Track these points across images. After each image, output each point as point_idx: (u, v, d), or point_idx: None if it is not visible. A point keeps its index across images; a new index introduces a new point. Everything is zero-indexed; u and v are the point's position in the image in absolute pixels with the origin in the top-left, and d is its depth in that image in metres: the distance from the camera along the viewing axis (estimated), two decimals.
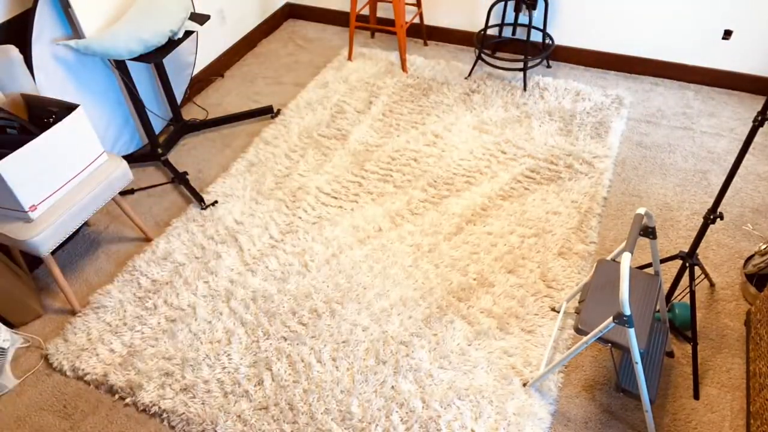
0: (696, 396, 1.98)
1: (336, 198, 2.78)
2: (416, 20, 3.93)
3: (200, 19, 2.72)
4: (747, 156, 2.95)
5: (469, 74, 3.60)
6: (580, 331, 1.76)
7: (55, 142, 2.08)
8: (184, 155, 3.14)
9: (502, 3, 3.51)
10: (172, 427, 1.95)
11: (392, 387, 2.01)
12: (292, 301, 2.31)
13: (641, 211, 1.71)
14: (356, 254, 2.49)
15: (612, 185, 2.82)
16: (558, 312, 2.23)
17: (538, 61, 3.53)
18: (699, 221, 2.61)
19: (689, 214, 2.66)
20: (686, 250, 2.03)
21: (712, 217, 1.85)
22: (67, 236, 2.28)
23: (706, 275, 2.32)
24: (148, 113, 2.87)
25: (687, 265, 1.99)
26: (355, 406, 1.96)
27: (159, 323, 2.25)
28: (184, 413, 1.96)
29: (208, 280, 2.41)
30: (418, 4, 3.76)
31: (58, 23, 2.39)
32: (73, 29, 2.46)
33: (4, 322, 2.24)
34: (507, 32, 3.72)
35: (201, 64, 3.58)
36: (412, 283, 2.37)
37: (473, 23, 3.83)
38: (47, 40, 2.36)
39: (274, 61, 3.91)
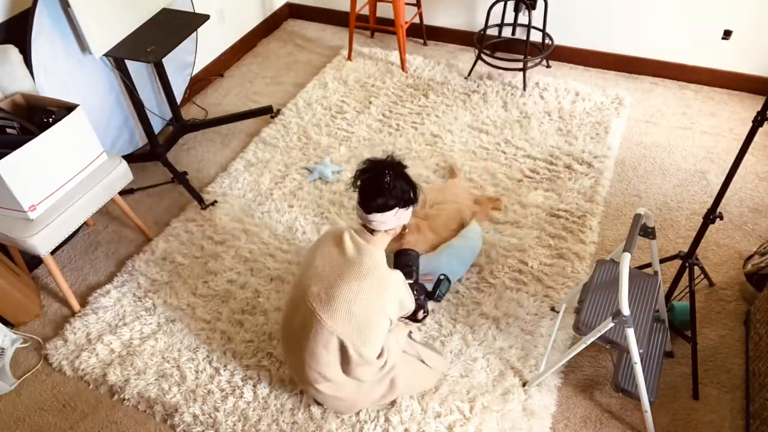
0: (695, 396, 1.98)
1: (335, 196, 2.78)
2: (416, 20, 3.93)
3: (200, 19, 2.72)
4: (746, 156, 2.95)
5: (469, 74, 3.60)
6: (579, 331, 1.76)
7: (55, 142, 2.08)
8: (184, 155, 3.14)
9: (502, 3, 3.51)
10: (172, 427, 1.95)
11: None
12: None
13: (641, 211, 1.71)
14: None
15: (612, 185, 2.81)
16: (557, 312, 2.23)
17: (537, 61, 3.52)
18: (698, 221, 2.61)
19: (689, 214, 2.66)
20: (686, 250, 2.03)
21: (711, 217, 1.85)
22: (67, 236, 2.28)
23: (706, 275, 2.32)
24: (148, 113, 2.87)
25: (686, 265, 1.99)
26: None
27: (158, 323, 2.25)
28: (184, 413, 1.96)
29: (207, 280, 2.41)
30: (418, 4, 3.76)
31: (57, 23, 2.39)
32: (73, 29, 2.46)
33: (3, 322, 2.24)
34: (507, 32, 3.72)
35: (201, 63, 3.58)
36: None
37: (473, 23, 3.83)
38: (47, 39, 2.36)
39: (273, 61, 3.91)
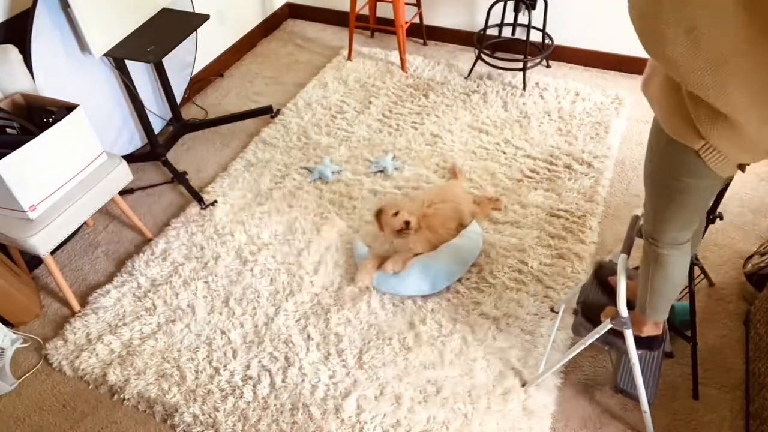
0: (695, 396, 1.98)
1: (335, 196, 2.78)
2: (416, 20, 3.93)
3: (200, 19, 2.72)
4: None
5: (469, 74, 3.60)
6: (578, 332, 1.76)
7: (55, 142, 2.08)
8: (184, 155, 3.14)
9: (502, 3, 3.51)
10: (172, 427, 1.95)
11: (392, 388, 2.01)
12: (292, 300, 2.31)
13: (638, 212, 1.71)
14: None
15: (612, 185, 2.81)
16: (557, 312, 2.23)
17: (537, 61, 3.52)
18: None
19: None
20: None
21: (711, 217, 1.85)
22: (67, 236, 2.28)
23: (706, 275, 2.32)
24: (148, 113, 2.87)
25: None
26: (355, 407, 1.96)
27: (158, 323, 2.25)
28: (184, 413, 1.96)
29: (207, 280, 2.41)
30: (418, 4, 3.76)
31: (57, 23, 2.39)
32: (73, 29, 2.46)
33: (3, 322, 2.24)
34: (506, 32, 3.72)
35: (200, 63, 3.58)
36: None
37: (473, 23, 3.83)
38: (47, 39, 2.36)
39: (273, 61, 3.91)
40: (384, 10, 4.02)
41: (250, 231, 2.62)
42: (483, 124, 3.20)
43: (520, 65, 3.47)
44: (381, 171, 2.91)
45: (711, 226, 2.57)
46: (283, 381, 2.04)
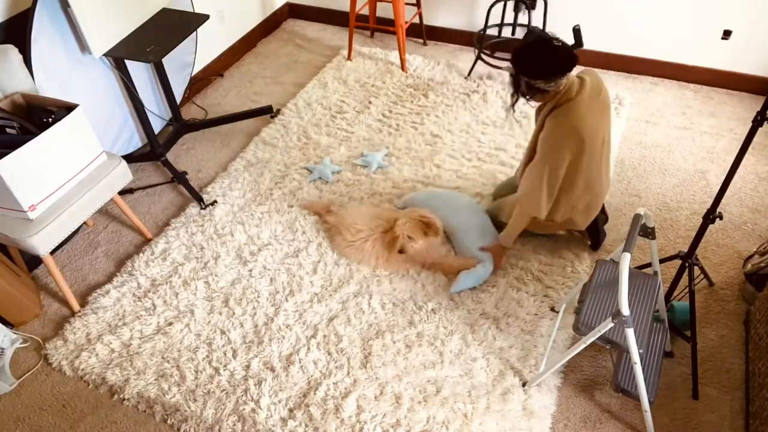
0: (695, 396, 1.98)
1: (335, 196, 2.78)
2: (416, 20, 3.93)
3: (200, 19, 2.72)
4: (746, 156, 2.95)
5: (469, 74, 3.60)
6: (579, 331, 1.76)
7: (55, 141, 2.08)
8: (184, 155, 3.14)
9: (502, 3, 3.51)
10: (172, 427, 1.95)
11: (392, 388, 2.01)
12: (292, 300, 2.31)
13: (640, 211, 1.71)
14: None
15: (611, 185, 2.81)
16: (557, 312, 2.23)
17: None
18: (698, 221, 2.61)
19: (688, 214, 2.66)
20: (685, 250, 2.03)
21: (711, 216, 1.85)
22: (67, 236, 2.28)
23: (705, 275, 2.32)
24: (148, 113, 2.87)
25: (686, 264, 1.99)
26: (355, 407, 1.96)
27: (158, 323, 2.25)
28: (184, 413, 1.96)
29: (207, 280, 2.41)
30: (418, 4, 3.76)
31: (57, 23, 2.39)
32: (73, 29, 2.46)
33: (3, 322, 2.24)
34: (507, 32, 3.72)
35: (200, 63, 3.58)
36: (411, 285, 2.37)
37: (473, 23, 3.83)
38: (47, 39, 2.36)
39: (273, 61, 3.91)
40: (384, 10, 4.02)
41: (250, 231, 2.62)
42: (483, 124, 3.20)
43: None
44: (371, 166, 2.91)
45: (711, 226, 2.58)
46: (283, 381, 2.04)
